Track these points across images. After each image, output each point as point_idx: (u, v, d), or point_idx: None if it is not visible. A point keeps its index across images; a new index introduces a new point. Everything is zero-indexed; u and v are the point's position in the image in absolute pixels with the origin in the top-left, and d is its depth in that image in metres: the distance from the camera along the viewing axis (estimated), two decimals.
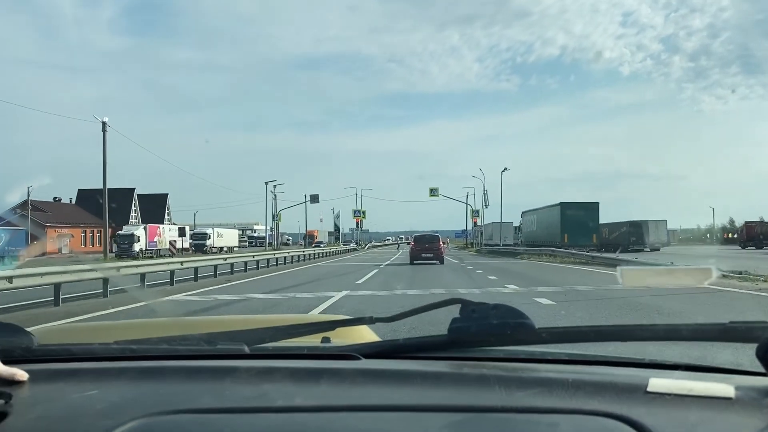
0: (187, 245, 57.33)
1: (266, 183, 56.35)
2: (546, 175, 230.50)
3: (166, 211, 79.73)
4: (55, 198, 66.41)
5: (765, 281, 13.21)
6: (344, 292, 12.66)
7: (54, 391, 0.91)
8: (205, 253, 51.92)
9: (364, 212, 71.28)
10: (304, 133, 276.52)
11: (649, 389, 0.83)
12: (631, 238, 45.77)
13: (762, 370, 0.87)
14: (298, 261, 31.90)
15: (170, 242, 51.84)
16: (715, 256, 29.86)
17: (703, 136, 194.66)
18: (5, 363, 0.92)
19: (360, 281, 16.49)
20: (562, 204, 44.00)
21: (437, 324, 1.06)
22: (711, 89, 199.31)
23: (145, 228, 53.32)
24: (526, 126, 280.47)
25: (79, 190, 70.70)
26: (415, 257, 26.85)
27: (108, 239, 51.81)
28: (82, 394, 0.89)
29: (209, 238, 62.59)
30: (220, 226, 72.73)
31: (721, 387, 0.83)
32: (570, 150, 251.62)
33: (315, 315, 6.73)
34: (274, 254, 28.38)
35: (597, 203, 44.61)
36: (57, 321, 8.34)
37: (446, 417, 0.79)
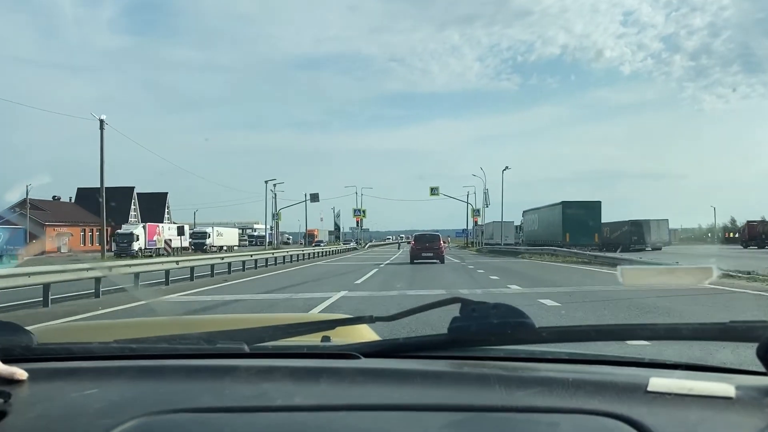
0: (186, 244, 57.09)
1: (266, 182, 56.07)
2: (546, 174, 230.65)
3: (166, 210, 79.52)
4: (54, 197, 66.09)
5: None
6: (343, 293, 12.36)
7: (53, 390, 0.91)
8: (205, 252, 51.69)
9: (364, 211, 71.03)
10: (304, 132, 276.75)
11: (649, 389, 0.83)
12: (633, 237, 45.61)
13: (762, 369, 0.86)
14: (297, 260, 31.64)
15: (165, 241, 51.27)
16: (719, 256, 29.53)
17: (703, 135, 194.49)
18: (5, 362, 0.92)
19: (359, 281, 16.20)
20: (563, 203, 43.65)
21: (437, 323, 1.04)
22: (712, 88, 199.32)
23: (144, 227, 53.02)
24: (526, 125, 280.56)
25: (78, 188, 70.45)
26: (415, 256, 26.81)
27: (108, 238, 51.70)
28: (81, 393, 0.89)
29: (209, 237, 62.34)
30: (220, 225, 72.38)
31: (722, 386, 0.82)
32: (570, 149, 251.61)
33: (315, 314, 6.57)
34: (273, 253, 28.06)
35: (599, 202, 44.24)
36: (46, 322, 8.06)
37: (446, 416, 0.79)
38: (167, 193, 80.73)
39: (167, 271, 15.64)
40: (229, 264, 20.64)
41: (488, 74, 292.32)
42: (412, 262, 26.14)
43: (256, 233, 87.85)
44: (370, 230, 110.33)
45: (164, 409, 0.82)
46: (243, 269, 21.89)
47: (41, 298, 10.76)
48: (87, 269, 11.67)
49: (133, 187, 74.07)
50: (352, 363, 1.00)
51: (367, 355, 1.03)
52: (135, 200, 74.25)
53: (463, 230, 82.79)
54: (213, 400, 0.86)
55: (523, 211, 57.32)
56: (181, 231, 52.46)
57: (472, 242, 66.06)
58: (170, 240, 51.58)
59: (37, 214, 55.74)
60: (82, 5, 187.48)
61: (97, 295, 12.07)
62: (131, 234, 49.78)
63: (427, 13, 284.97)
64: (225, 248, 62.44)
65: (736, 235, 57.79)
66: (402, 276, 18.36)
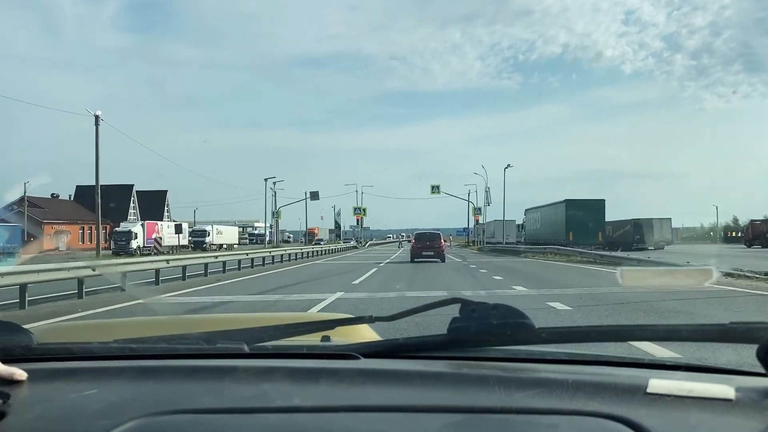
0: (185, 242, 56.51)
1: (266, 180, 55.48)
2: (547, 173, 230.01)
3: (166, 208, 78.90)
4: (53, 194, 65.46)
5: None
6: (339, 294, 11.73)
7: (52, 391, 0.91)
8: (204, 250, 51.04)
9: (364, 209, 70.32)
10: (305, 131, 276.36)
11: (648, 390, 0.82)
12: (636, 236, 45.12)
13: (762, 370, 0.86)
14: (296, 259, 31.11)
15: (156, 239, 50.40)
16: (725, 255, 28.86)
17: (704, 134, 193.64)
18: (4, 362, 0.92)
19: (357, 281, 15.56)
20: (567, 201, 42.95)
21: (437, 324, 1.04)
22: (713, 87, 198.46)
23: (142, 225, 52.42)
24: (527, 124, 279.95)
25: (77, 186, 69.66)
26: (416, 255, 26.69)
27: (108, 236, 51.10)
28: (80, 394, 0.88)
29: (208, 235, 61.77)
30: (220, 223, 71.65)
31: (722, 388, 0.82)
32: (571, 148, 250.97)
33: (315, 313, 6.16)
34: (270, 252, 27.42)
35: (603, 201, 43.46)
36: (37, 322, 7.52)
37: (445, 418, 0.79)
38: (167, 191, 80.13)
39: (157, 271, 15.05)
40: (224, 263, 20.06)
41: (489, 73, 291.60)
42: (412, 261, 25.94)
43: (256, 232, 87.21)
44: (370, 229, 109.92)
45: (163, 410, 0.81)
46: (239, 268, 21.34)
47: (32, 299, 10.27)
48: (68, 269, 11.01)
49: (132, 185, 73.46)
50: (352, 364, 1.00)
51: (367, 356, 1.02)
52: (134, 198, 73.61)
53: (464, 229, 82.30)
54: (212, 401, 0.85)
55: (525, 210, 56.67)
56: (178, 229, 51.85)
57: (473, 241, 65.46)
58: (160, 238, 50.80)
59: (35, 211, 55.27)
60: (83, 3, 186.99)
61: (80, 296, 11.50)
62: (129, 232, 49.17)
63: (428, 11, 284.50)
64: (225, 246, 61.95)
65: (739, 235, 57.63)
66: (402, 276, 17.83)
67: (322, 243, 65.49)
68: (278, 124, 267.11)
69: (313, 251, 38.89)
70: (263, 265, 24.35)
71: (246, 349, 1.04)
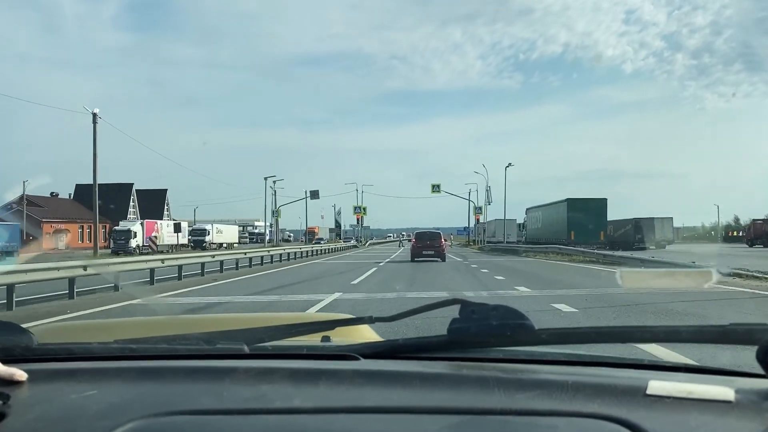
0: (185, 241, 56.19)
1: (265, 178, 55.12)
2: (547, 173, 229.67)
3: (166, 207, 78.58)
4: (52, 193, 65.12)
5: None
6: (336, 295, 11.41)
7: (52, 392, 0.91)
8: (204, 249, 50.72)
9: (364, 208, 69.99)
10: (306, 130, 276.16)
11: (648, 392, 0.82)
12: (637, 235, 44.71)
13: (762, 372, 0.86)
14: (295, 258, 30.79)
15: (150, 238, 49.85)
16: (728, 255, 28.50)
17: (705, 134, 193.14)
18: (5, 362, 0.92)
19: (355, 281, 15.24)
20: (569, 200, 42.63)
21: (437, 324, 1.04)
22: (714, 87, 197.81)
23: (142, 224, 52.09)
24: (528, 124, 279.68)
25: (76, 185, 69.28)
26: (416, 254, 26.64)
27: (107, 235, 50.72)
28: (80, 395, 0.88)
29: (208, 234, 61.44)
30: (221, 222, 71.30)
31: (721, 390, 0.81)
32: (572, 148, 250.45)
33: (315, 314, 5.99)
34: (269, 251, 27.10)
35: (605, 199, 43.21)
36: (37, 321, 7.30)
37: (445, 419, 0.79)
38: (167, 189, 79.81)
39: (152, 270, 14.74)
40: (221, 262, 19.76)
41: (490, 72, 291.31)
42: (412, 260, 25.82)
43: (256, 231, 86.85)
44: (370, 228, 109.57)
45: (163, 411, 0.81)
46: (236, 268, 21.04)
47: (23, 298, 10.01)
48: (57, 269, 10.70)
49: (132, 184, 73.19)
50: (352, 365, 0.99)
51: (367, 356, 1.02)
52: (134, 197, 73.30)
53: (464, 228, 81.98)
54: (212, 402, 0.85)
55: (527, 209, 56.38)
56: (177, 228, 51.54)
57: (474, 240, 65.10)
58: (155, 237, 50.32)
59: (34, 210, 55.00)
60: (83, 2, 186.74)
61: (71, 296, 11.19)
62: (129, 231, 48.84)
63: (428, 10, 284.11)
64: (225, 245, 61.64)
65: (740, 234, 57.37)
66: (402, 276, 17.53)
67: (322, 242, 65.14)
68: (279, 123, 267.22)
69: (312, 250, 38.58)
70: (261, 264, 24.03)
71: (246, 349, 1.04)
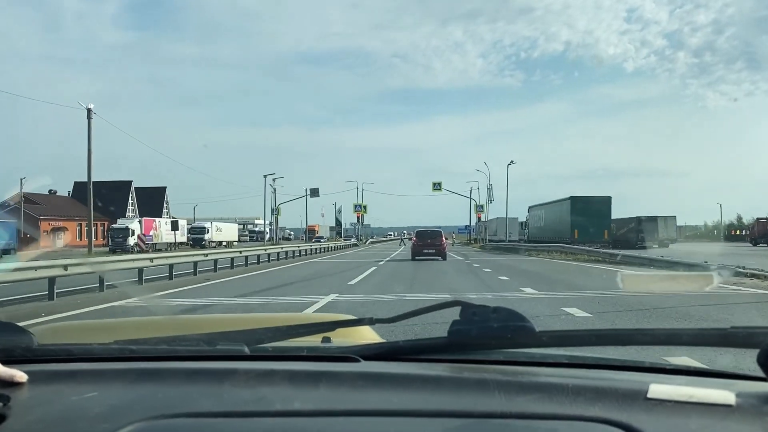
0: (183, 239, 55.56)
1: (265, 176, 54.49)
2: (548, 171, 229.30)
3: (165, 205, 78.01)
4: (50, 190, 64.53)
5: None
6: (332, 296, 10.79)
7: (53, 393, 0.90)
8: (203, 247, 50.09)
9: (365, 207, 69.32)
10: (306, 128, 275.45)
11: (649, 395, 0.82)
12: (640, 234, 44.02)
13: (763, 375, 0.85)
14: (294, 257, 30.20)
15: (139, 236, 48.96)
16: (734, 254, 27.83)
17: (707, 132, 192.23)
18: (5, 363, 0.91)
19: (353, 282, 14.61)
20: (572, 198, 41.90)
21: (438, 326, 1.00)
22: (715, 85, 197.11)
23: (140, 221, 51.47)
24: (529, 122, 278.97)
25: (75, 182, 68.68)
26: (417, 253, 26.42)
27: (105, 233, 50.07)
28: (80, 397, 0.88)
29: (207, 232, 60.81)
30: (220, 220, 70.68)
31: (722, 394, 0.81)
32: (573, 146, 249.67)
33: (316, 314, 5.66)
34: (266, 250, 26.49)
35: (609, 198, 42.38)
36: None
37: (446, 422, 0.79)
38: (166, 187, 79.23)
39: (140, 270, 14.14)
40: (215, 261, 19.15)
41: (491, 71, 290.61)
42: (413, 259, 25.46)
43: (256, 229, 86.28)
44: (371, 226, 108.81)
45: (163, 414, 0.81)
46: (231, 267, 20.44)
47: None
48: (35, 268, 10.07)
49: (131, 182, 72.66)
50: (352, 366, 0.99)
51: (367, 358, 1.01)
52: (132, 195, 72.74)
53: (465, 227, 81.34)
54: (212, 404, 0.85)
55: (529, 207, 55.65)
56: (174, 226, 50.88)
57: (475, 239, 64.47)
58: (143, 235, 49.47)
59: (31, 208, 54.44)
60: (84, 0, 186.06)
61: (50, 297, 10.60)
62: (127, 229, 48.20)
63: (430, 9, 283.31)
64: (224, 244, 61.07)
65: (743, 233, 56.93)
66: (402, 276, 16.94)
67: (322, 240, 64.56)
68: (279, 121, 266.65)
69: (312, 249, 37.98)
70: (258, 263, 23.46)
71: (246, 350, 1.03)
